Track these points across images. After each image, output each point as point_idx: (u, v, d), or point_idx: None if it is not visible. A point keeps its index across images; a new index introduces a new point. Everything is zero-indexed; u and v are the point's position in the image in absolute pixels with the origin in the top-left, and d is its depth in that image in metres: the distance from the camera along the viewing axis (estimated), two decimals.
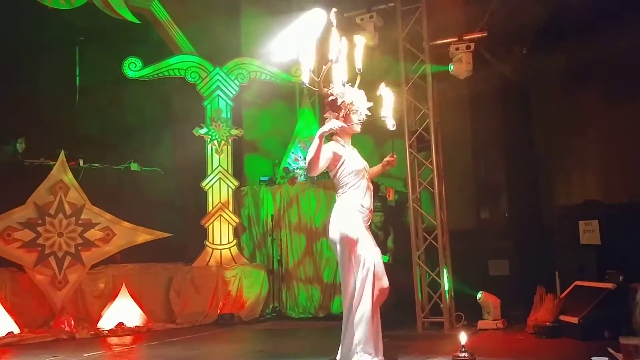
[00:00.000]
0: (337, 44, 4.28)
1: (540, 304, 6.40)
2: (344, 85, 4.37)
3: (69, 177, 7.42)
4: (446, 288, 6.91)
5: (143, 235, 7.86)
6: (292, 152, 9.05)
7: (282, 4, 9.13)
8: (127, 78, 8.32)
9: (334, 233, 4.30)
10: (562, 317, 6.06)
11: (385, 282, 4.42)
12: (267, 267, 8.63)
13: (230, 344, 6.88)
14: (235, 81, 8.96)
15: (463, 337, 3.72)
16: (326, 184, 8.52)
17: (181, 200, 8.47)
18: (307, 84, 4.33)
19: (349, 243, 4.22)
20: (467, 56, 7.02)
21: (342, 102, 4.31)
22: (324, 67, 4.26)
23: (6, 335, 6.59)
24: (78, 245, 7.36)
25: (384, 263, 7.40)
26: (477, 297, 6.95)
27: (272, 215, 8.71)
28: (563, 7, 6.88)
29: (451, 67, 7.14)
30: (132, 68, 8.29)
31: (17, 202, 7.16)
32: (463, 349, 3.68)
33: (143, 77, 8.39)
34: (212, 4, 8.99)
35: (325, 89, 4.36)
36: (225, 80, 8.91)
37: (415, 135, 7.11)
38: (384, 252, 7.73)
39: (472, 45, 7.08)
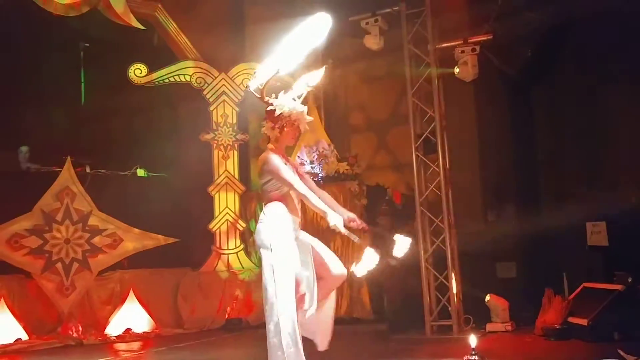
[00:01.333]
0: (287, 57, 4.50)
1: (549, 305, 6.37)
2: (294, 98, 4.45)
3: (75, 184, 7.44)
4: (454, 291, 6.89)
5: (150, 241, 7.87)
6: (298, 157, 9.03)
7: (286, 8, 9.11)
8: (133, 84, 8.34)
9: (263, 239, 4.28)
10: (571, 319, 6.03)
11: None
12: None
13: (239, 349, 6.87)
14: (241, 86, 8.96)
15: (473, 340, 3.70)
16: (333, 188, 8.51)
17: (188, 206, 8.46)
18: (252, 90, 4.42)
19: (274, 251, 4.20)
20: (472, 59, 7.00)
21: (280, 114, 4.36)
22: (269, 76, 4.36)
23: (14, 342, 6.60)
24: (85, 251, 7.38)
25: (392, 266, 7.48)
26: (485, 300, 6.92)
27: None
28: (568, 9, 6.88)
29: (457, 70, 7.13)
30: (138, 74, 8.31)
31: (24, 209, 7.17)
32: (473, 352, 3.66)
33: (149, 82, 8.41)
34: (216, 9, 9.00)
35: (267, 98, 4.42)
36: (230, 85, 8.92)
37: (421, 139, 7.10)
38: (391, 256, 7.74)
39: (478, 47, 7.06)
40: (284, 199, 4.32)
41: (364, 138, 9.67)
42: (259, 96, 4.44)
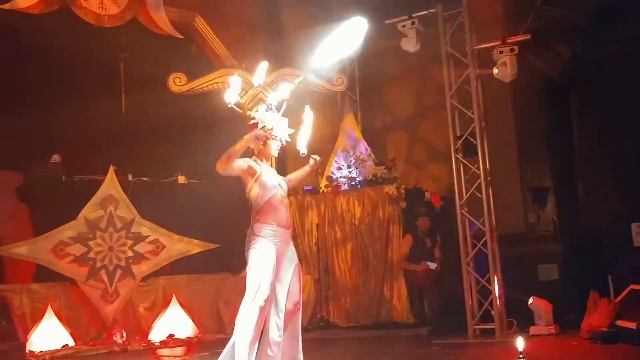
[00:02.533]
0: (262, 70, 4.66)
1: (594, 308, 6.26)
2: (271, 110, 4.57)
3: (118, 192, 7.57)
4: (497, 294, 6.82)
5: (192, 247, 7.97)
6: (335, 161, 9.06)
7: (322, 14, 9.17)
8: (173, 92, 8.45)
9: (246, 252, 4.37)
10: (619, 322, 5.90)
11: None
12: (314, 276, 8.63)
13: None
14: (277, 92, 8.99)
15: (520, 343, 3.65)
16: (371, 191, 8.50)
17: (227, 211, 8.52)
18: (232, 105, 4.44)
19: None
20: (511, 59, 6.94)
21: (263, 127, 4.48)
22: (249, 90, 4.60)
23: (62, 347, 6.74)
24: (128, 258, 7.49)
25: (433, 270, 7.45)
26: (528, 303, 6.82)
27: (317, 224, 8.72)
28: (610, 8, 6.76)
29: (495, 71, 7.07)
30: (177, 83, 8.42)
31: (68, 218, 7.32)
32: (521, 355, 3.61)
33: (188, 91, 8.52)
34: (253, 16, 9.07)
35: (249, 112, 4.66)
36: (267, 92, 8.96)
37: (461, 141, 7.06)
38: (431, 260, 7.70)
39: (517, 48, 6.99)
40: (270, 208, 4.33)
41: (401, 141, 9.62)
42: (240, 110, 4.60)
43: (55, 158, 7.78)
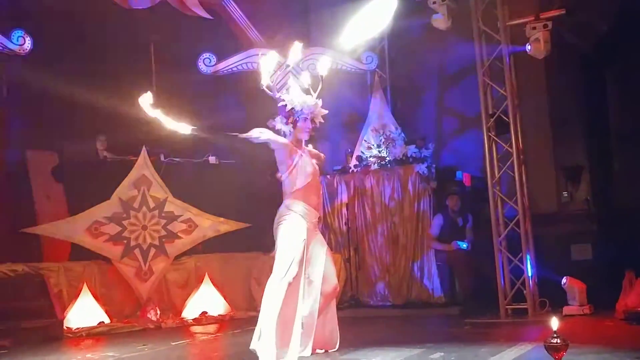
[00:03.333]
0: (297, 51, 4.63)
1: (630, 288, 6.17)
2: (306, 91, 4.56)
3: (151, 172, 7.66)
4: (529, 274, 6.76)
5: (223, 226, 8.05)
6: (365, 140, 9.02)
7: None
8: (202, 73, 8.49)
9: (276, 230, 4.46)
10: None
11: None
12: (344, 255, 8.65)
13: None
14: (307, 71, 8.97)
15: (555, 323, 3.59)
16: (402, 171, 8.47)
17: (257, 191, 8.58)
18: (264, 87, 4.44)
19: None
20: (544, 35, 6.78)
21: (292, 109, 4.45)
22: (278, 71, 4.60)
23: (98, 324, 6.89)
24: (162, 237, 7.60)
25: (464, 250, 7.41)
26: (562, 283, 6.75)
27: (347, 204, 8.72)
28: None
29: (528, 47, 6.93)
30: (207, 63, 8.47)
31: (103, 198, 7.45)
32: (555, 335, 3.56)
33: (217, 71, 8.55)
34: None
35: (278, 94, 4.52)
36: (296, 71, 8.95)
37: (493, 119, 6.96)
38: (462, 239, 7.66)
39: (550, 23, 6.84)
40: (304, 193, 4.41)
41: (432, 120, 9.53)
42: (270, 92, 4.50)
43: (101, 139, 7.91)
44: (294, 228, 4.32)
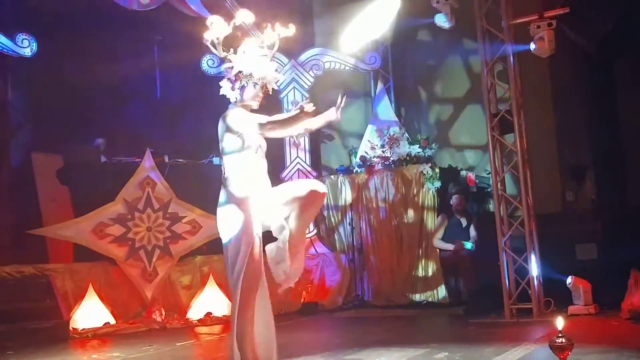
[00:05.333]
0: (246, 14, 4.15)
1: (636, 288, 6.13)
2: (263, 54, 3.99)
3: (155, 173, 7.68)
4: (534, 274, 6.74)
5: None
6: (368, 140, 9.03)
7: None
8: (206, 74, 8.50)
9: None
10: None
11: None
12: (348, 255, 8.66)
13: (317, 332, 6.97)
14: (310, 72, 9.01)
15: (560, 322, 3.58)
16: (405, 171, 8.46)
17: None
18: (208, 42, 3.95)
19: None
20: (549, 34, 6.73)
21: (239, 72, 3.90)
22: (225, 32, 3.97)
23: (103, 325, 6.89)
24: (166, 238, 7.61)
25: (468, 250, 7.40)
26: (567, 282, 6.73)
27: (351, 204, 8.73)
28: None
29: (533, 46, 6.91)
30: (211, 65, 8.47)
31: (108, 199, 7.46)
32: (560, 334, 3.55)
33: (221, 72, 8.54)
34: None
35: (225, 54, 3.96)
36: (300, 72, 8.97)
37: (497, 118, 6.94)
38: (466, 239, 7.65)
39: (554, 22, 6.81)
40: (247, 167, 3.88)
41: (435, 120, 9.53)
42: (215, 51, 4.00)
43: (100, 143, 7.93)
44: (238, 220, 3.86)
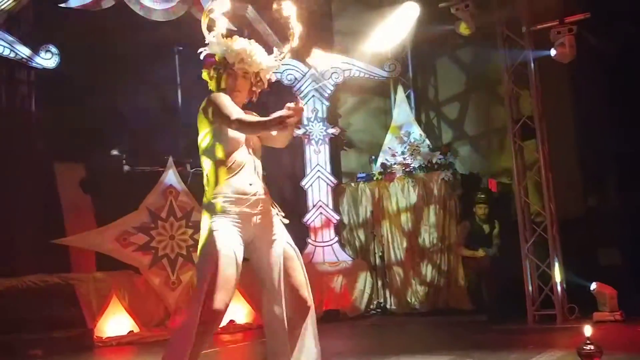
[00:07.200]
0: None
1: None
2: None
3: (177, 182, 7.74)
4: (558, 280, 6.70)
5: None
6: (389, 147, 9.03)
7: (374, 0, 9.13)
8: None
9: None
10: None
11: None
12: (370, 263, 8.66)
13: (338, 340, 6.94)
14: (330, 80, 9.04)
15: (588, 330, 3.57)
16: (425, 178, 8.46)
17: (282, 200, 8.62)
18: (204, 28, 3.41)
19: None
20: (570, 39, 6.73)
21: (214, 59, 3.35)
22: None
23: (127, 333, 6.94)
24: (189, 246, 7.66)
25: (490, 257, 7.35)
26: (591, 289, 6.68)
27: (372, 212, 8.73)
28: None
29: (553, 52, 6.90)
30: None
31: (131, 208, 7.53)
32: (588, 342, 3.54)
33: None
34: (304, 4, 9.07)
35: (206, 34, 3.41)
36: (319, 81, 9.01)
37: (519, 124, 6.93)
38: (489, 246, 7.61)
39: (575, 27, 6.79)
40: (233, 164, 3.21)
41: (456, 126, 9.51)
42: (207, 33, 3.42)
43: (118, 152, 8.01)
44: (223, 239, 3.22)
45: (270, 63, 3.47)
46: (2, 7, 7.26)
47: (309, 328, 3.27)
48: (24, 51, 7.42)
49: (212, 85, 3.40)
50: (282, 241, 3.37)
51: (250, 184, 3.28)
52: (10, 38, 7.33)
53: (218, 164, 3.25)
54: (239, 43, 3.37)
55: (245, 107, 3.43)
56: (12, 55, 7.36)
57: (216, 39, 3.36)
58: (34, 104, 8.09)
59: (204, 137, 3.30)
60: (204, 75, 3.44)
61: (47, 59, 7.57)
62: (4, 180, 7.45)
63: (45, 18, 7.85)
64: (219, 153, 3.24)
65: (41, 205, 7.85)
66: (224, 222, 3.19)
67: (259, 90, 3.50)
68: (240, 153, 3.27)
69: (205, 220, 3.25)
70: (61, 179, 8.27)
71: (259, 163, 3.41)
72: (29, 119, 8.04)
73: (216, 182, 3.24)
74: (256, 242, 3.35)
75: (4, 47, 7.30)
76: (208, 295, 3.07)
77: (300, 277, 3.34)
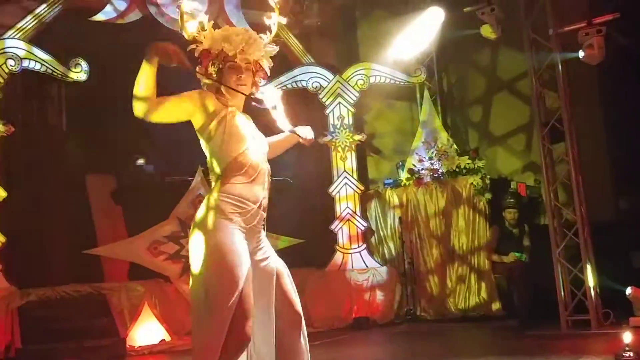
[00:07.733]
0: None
1: None
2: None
3: (207, 191, 7.79)
4: (591, 284, 6.60)
5: (278, 242, 8.11)
6: (417, 153, 9.00)
7: (398, 6, 9.12)
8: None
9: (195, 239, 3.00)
10: None
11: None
12: (399, 269, 8.62)
13: (369, 347, 6.94)
14: (355, 87, 9.03)
15: (628, 337, 3.52)
16: (455, 183, 8.41)
17: (310, 207, 8.64)
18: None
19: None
20: (598, 41, 6.63)
21: (203, 51, 3.08)
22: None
23: (159, 342, 7.01)
24: None
25: (521, 261, 7.28)
26: (627, 293, 6.56)
27: (400, 218, 8.70)
28: None
29: (582, 54, 6.81)
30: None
31: (162, 217, 7.60)
32: (627, 348, 3.48)
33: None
34: (328, 12, 9.11)
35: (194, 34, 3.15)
36: (345, 87, 9.01)
37: (547, 127, 6.86)
38: (520, 251, 7.53)
39: (603, 29, 6.70)
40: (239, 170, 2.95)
41: (484, 131, 9.45)
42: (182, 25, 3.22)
43: (142, 163, 8.10)
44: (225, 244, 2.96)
45: (268, 47, 3.20)
46: (26, 26, 7.41)
47: (301, 338, 3.11)
48: (56, 66, 7.54)
49: (209, 82, 3.18)
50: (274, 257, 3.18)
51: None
52: (41, 53, 7.45)
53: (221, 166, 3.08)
54: (237, 32, 3.12)
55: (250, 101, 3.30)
56: (42, 69, 7.49)
57: (209, 32, 3.13)
58: (64, 117, 8.23)
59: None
60: (198, 73, 3.23)
61: (77, 72, 7.68)
62: (38, 193, 7.59)
63: (73, 32, 7.98)
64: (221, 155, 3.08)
65: (73, 217, 7.98)
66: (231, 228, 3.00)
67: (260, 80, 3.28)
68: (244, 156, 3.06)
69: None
70: (92, 191, 8.40)
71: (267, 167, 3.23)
72: (60, 132, 8.18)
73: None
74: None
75: (36, 61, 7.43)
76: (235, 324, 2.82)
77: (293, 294, 3.18)
